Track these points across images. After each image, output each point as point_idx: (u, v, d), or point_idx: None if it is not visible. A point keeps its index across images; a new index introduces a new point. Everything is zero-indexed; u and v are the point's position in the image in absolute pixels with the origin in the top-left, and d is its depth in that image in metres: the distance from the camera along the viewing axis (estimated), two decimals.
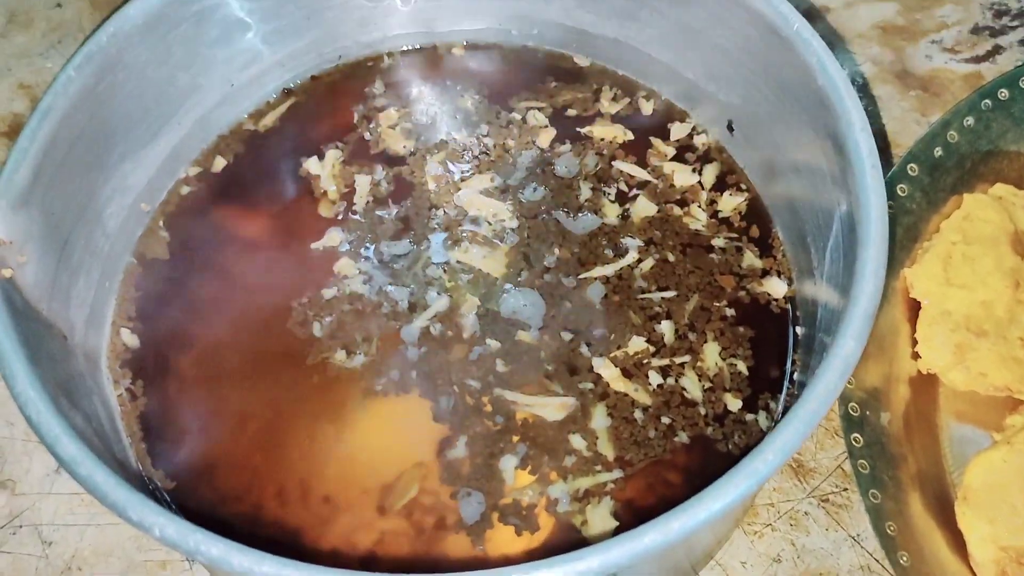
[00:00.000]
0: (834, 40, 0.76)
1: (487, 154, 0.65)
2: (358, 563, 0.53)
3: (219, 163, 0.65)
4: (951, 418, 0.60)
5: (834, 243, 0.51)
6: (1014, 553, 0.53)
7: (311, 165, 0.65)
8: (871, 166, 0.48)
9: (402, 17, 0.66)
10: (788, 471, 0.60)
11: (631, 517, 0.53)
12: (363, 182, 0.64)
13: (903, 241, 0.62)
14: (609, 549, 0.38)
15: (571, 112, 0.66)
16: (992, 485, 0.54)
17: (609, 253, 0.60)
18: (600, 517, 0.53)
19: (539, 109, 0.66)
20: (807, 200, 0.56)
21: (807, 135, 0.54)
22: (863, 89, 0.74)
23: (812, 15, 0.77)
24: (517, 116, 0.66)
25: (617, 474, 0.54)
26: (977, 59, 0.75)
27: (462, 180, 0.64)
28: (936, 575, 0.52)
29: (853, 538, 0.57)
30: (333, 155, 0.65)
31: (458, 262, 0.61)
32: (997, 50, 0.75)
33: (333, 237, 0.62)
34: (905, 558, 0.51)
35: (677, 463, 0.54)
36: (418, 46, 0.68)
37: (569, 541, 0.52)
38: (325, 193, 0.64)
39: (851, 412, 0.55)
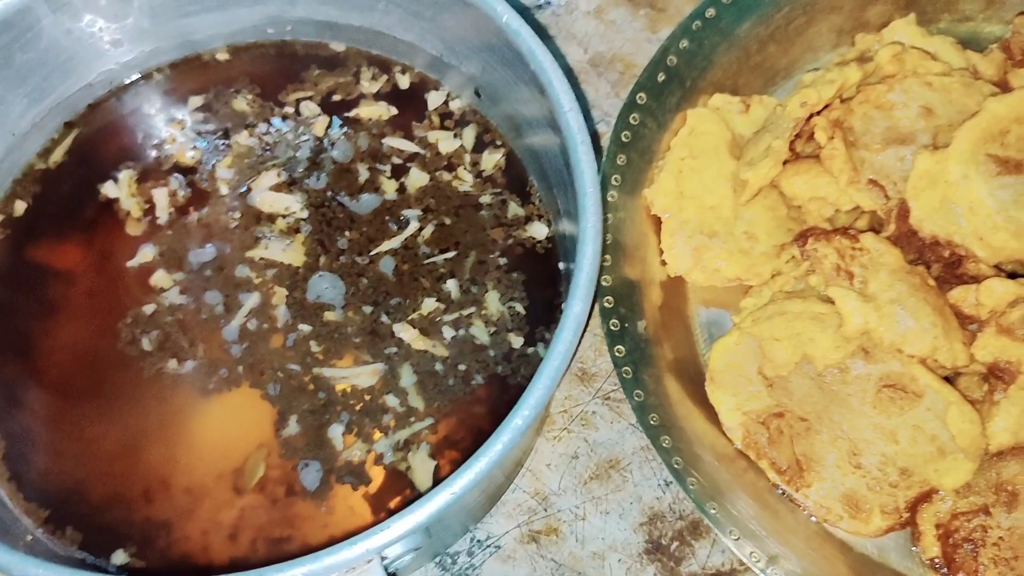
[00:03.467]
0: None
1: (270, 150, 0.71)
2: (225, 537, 0.62)
3: (20, 207, 0.69)
4: (699, 306, 0.72)
5: (567, 184, 0.60)
6: (753, 415, 0.66)
7: (108, 189, 0.70)
8: (581, 142, 0.57)
9: (158, 34, 0.70)
10: (575, 379, 0.71)
11: (449, 451, 0.63)
12: (161, 195, 0.70)
13: (640, 164, 0.72)
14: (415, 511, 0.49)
15: (337, 97, 0.72)
16: (730, 364, 0.67)
17: (393, 227, 0.69)
18: (421, 460, 0.63)
19: (309, 99, 0.72)
20: (544, 149, 0.65)
21: (532, 99, 0.62)
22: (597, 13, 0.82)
23: None
24: (290, 109, 0.72)
25: (429, 421, 0.64)
26: None
27: (250, 180, 0.70)
28: (696, 447, 0.65)
29: (633, 425, 0.69)
30: (126, 175, 0.70)
31: (261, 259, 0.68)
32: None
33: (146, 253, 0.68)
34: (667, 441, 0.64)
35: (478, 400, 0.65)
36: (183, 57, 0.72)
37: (398, 485, 0.63)
38: (128, 213, 0.70)
39: (612, 328, 0.66)
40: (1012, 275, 0.65)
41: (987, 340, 0.61)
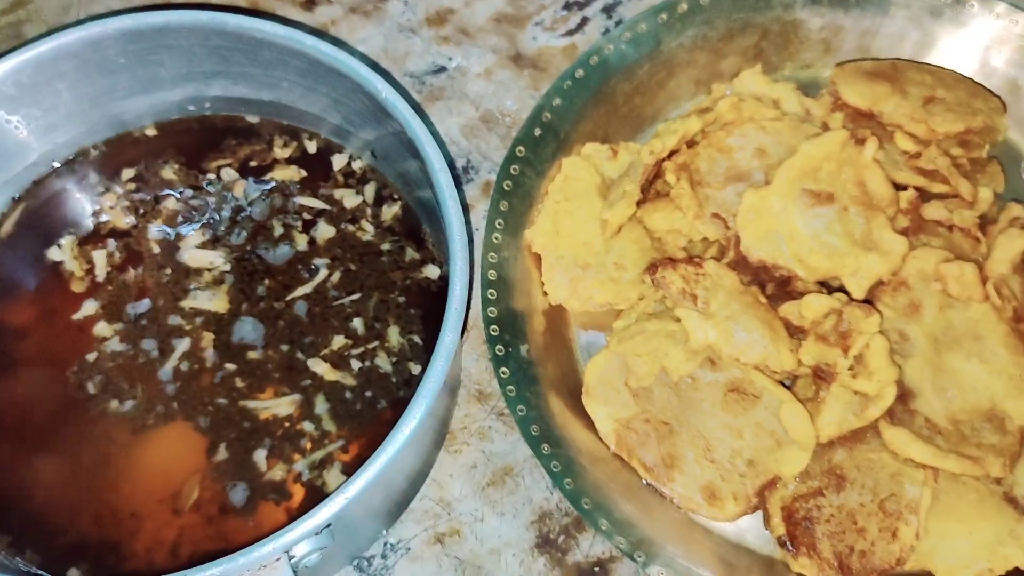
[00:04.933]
0: (461, 37, 0.94)
1: (195, 212, 0.81)
2: (167, 553, 0.72)
3: None
4: (579, 329, 0.83)
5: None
6: (624, 422, 0.76)
7: (53, 253, 0.79)
8: (449, 196, 0.67)
9: (91, 117, 0.80)
10: (472, 399, 0.81)
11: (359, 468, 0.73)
12: (100, 256, 0.79)
13: (521, 209, 0.83)
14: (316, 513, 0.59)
15: (253, 163, 0.82)
16: (602, 379, 0.77)
17: (305, 275, 0.79)
18: (334, 476, 0.73)
19: (228, 165, 0.82)
20: (431, 202, 0.75)
21: (414, 160, 0.72)
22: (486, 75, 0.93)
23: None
24: (212, 175, 0.82)
25: (340, 443, 0.73)
26: (570, 32, 0.94)
27: (179, 239, 0.80)
28: (574, 452, 0.75)
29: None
30: (69, 240, 0.80)
31: (190, 308, 0.78)
32: (585, 21, 0.95)
33: (89, 307, 0.78)
34: (546, 448, 0.74)
35: (384, 422, 0.74)
36: (115, 135, 0.82)
37: (316, 499, 0.71)
38: (72, 273, 0.79)
39: (497, 352, 0.77)
40: (836, 290, 0.76)
41: (808, 347, 0.72)
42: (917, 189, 0.78)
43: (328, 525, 0.61)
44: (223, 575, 0.58)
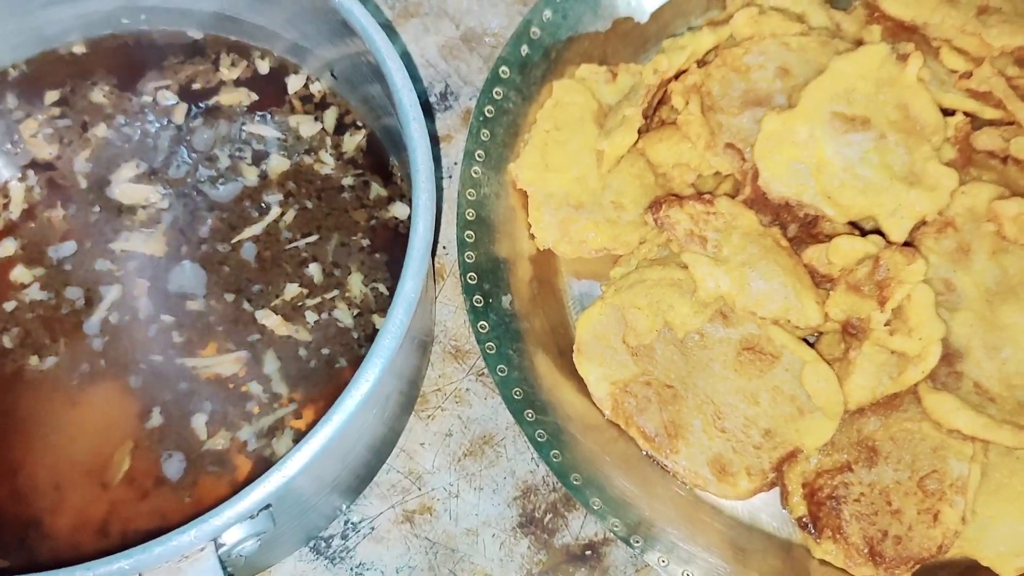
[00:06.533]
0: None
1: (128, 142, 0.70)
2: (95, 532, 0.62)
3: None
4: (571, 278, 0.72)
5: None
6: (621, 384, 0.66)
7: None
8: (413, 118, 0.57)
9: (11, 30, 0.69)
10: (448, 357, 0.71)
11: None
12: (17, 189, 0.69)
13: (506, 139, 0.72)
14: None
15: (197, 85, 0.72)
16: (596, 335, 0.67)
17: (255, 213, 0.68)
18: (284, 446, 0.63)
19: (167, 87, 0.71)
20: (397, 132, 0.65)
21: (376, 79, 0.62)
22: None
23: None
24: (148, 99, 0.71)
25: (292, 407, 0.64)
26: None
27: (109, 172, 0.69)
28: (563, 419, 0.65)
29: None
30: None
31: (122, 251, 0.67)
32: None
33: (7, 247, 0.68)
34: (530, 415, 0.64)
35: (343, 383, 0.64)
36: (39, 52, 0.71)
37: (264, 472, 0.63)
38: None
39: (475, 304, 0.66)
40: (871, 232, 0.65)
41: (838, 298, 0.62)
42: (967, 114, 0.67)
43: (268, 506, 0.52)
44: (135, 567, 0.49)
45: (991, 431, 0.59)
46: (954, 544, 0.60)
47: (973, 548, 0.61)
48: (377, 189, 0.69)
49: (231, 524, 0.50)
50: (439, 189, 0.61)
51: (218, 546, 0.51)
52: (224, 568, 0.51)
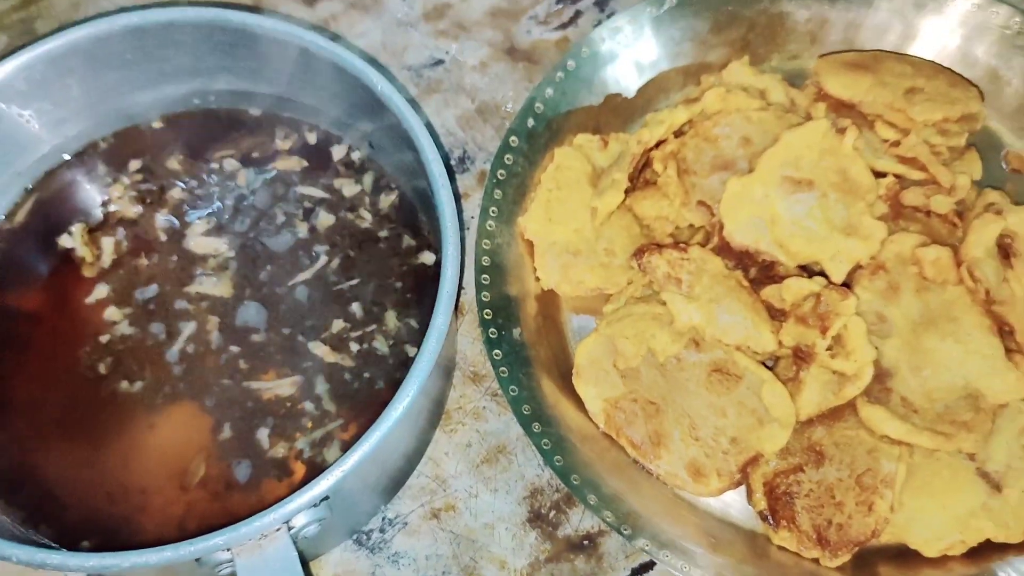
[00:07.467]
0: (457, 31, 0.97)
1: (200, 201, 0.84)
2: (175, 528, 0.75)
3: None
4: (571, 313, 0.86)
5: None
6: (612, 401, 0.79)
7: (64, 240, 0.83)
8: (442, 186, 0.70)
9: (99, 111, 0.83)
10: (468, 380, 0.84)
11: None
12: (108, 243, 0.82)
13: (515, 197, 0.85)
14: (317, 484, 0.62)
15: (256, 154, 0.85)
16: (591, 360, 0.80)
17: (306, 261, 0.81)
18: (333, 454, 0.76)
19: (231, 156, 0.85)
20: (427, 190, 0.78)
21: (409, 150, 0.75)
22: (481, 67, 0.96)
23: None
24: (215, 165, 0.85)
25: (340, 422, 0.76)
26: (563, 25, 0.97)
27: (184, 227, 0.83)
28: (564, 431, 0.78)
29: None
30: (79, 228, 0.83)
31: (196, 293, 0.81)
32: (578, 15, 0.98)
33: (100, 291, 0.81)
34: (536, 427, 0.77)
35: (381, 402, 0.76)
36: (123, 128, 0.85)
37: (316, 475, 0.75)
38: (83, 259, 0.82)
39: (491, 335, 0.80)
40: (816, 274, 0.79)
41: (789, 328, 0.75)
42: (896, 176, 0.80)
43: (326, 498, 0.64)
44: (226, 544, 0.61)
45: (915, 436, 0.72)
46: (885, 530, 0.73)
47: (903, 534, 0.73)
48: (408, 240, 0.82)
49: (300, 510, 0.63)
50: (460, 239, 0.75)
51: (289, 528, 0.64)
52: (295, 545, 0.63)
